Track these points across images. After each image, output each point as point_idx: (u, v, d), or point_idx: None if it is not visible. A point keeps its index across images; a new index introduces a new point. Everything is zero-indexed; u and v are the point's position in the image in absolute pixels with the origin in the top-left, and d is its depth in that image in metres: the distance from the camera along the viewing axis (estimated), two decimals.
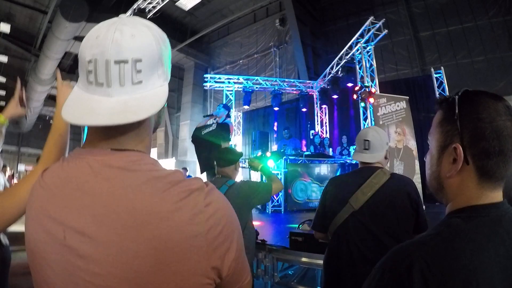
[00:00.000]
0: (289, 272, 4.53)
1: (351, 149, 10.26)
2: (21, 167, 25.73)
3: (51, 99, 20.84)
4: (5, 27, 14.51)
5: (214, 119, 6.30)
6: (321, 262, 2.67)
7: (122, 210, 0.76)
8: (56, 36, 12.85)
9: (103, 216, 0.77)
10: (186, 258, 0.75)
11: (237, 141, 13.07)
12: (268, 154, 9.82)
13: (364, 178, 2.17)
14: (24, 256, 0.85)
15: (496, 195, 0.90)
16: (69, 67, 17.95)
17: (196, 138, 6.19)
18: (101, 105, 0.78)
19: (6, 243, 1.59)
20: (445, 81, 10.01)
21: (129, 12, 10.68)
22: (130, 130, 0.84)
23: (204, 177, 6.17)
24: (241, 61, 15.99)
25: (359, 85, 9.80)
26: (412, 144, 9.12)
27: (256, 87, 12.55)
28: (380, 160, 2.33)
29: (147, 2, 10.15)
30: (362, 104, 9.66)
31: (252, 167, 3.44)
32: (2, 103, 23.10)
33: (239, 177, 7.93)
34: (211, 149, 5.98)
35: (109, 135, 0.84)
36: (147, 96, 0.82)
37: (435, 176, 1.00)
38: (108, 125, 0.77)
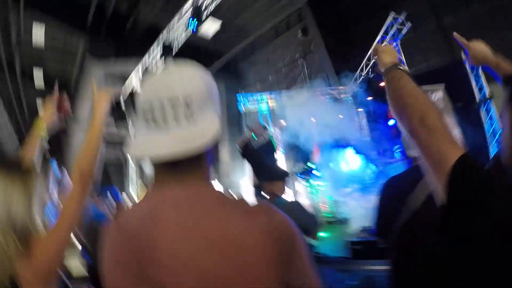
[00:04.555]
0: (350, 283, 4.44)
1: (394, 149, 10.00)
2: None
3: None
4: (38, 74, 15.18)
5: (255, 132, 6.36)
6: (384, 267, 2.57)
7: (196, 238, 0.81)
8: (88, 76, 13.25)
9: (178, 245, 0.82)
10: (260, 278, 0.79)
11: (279, 157, 13.00)
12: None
13: (420, 175, 2.05)
14: None
15: None
16: None
17: (248, 152, 6.24)
18: (161, 141, 0.86)
19: (65, 279, 1.63)
20: None
21: (155, 44, 10.94)
22: (191, 165, 0.91)
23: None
24: (270, 77, 15.99)
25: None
26: (456, 133, 8.77)
27: (290, 101, 12.54)
28: None
29: (172, 32, 10.36)
30: None
31: None
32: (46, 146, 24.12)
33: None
34: (268, 160, 6.03)
35: (173, 172, 0.91)
36: (200, 130, 0.89)
37: (509, 153, 1.04)
38: (168, 157, 0.85)
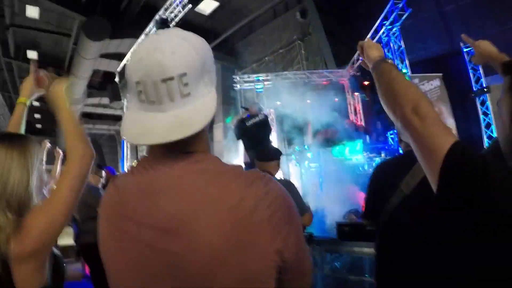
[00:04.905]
0: (335, 264, 4.51)
1: (388, 134, 10.03)
2: None
3: (85, 117, 21.63)
4: (32, 54, 15.05)
5: (250, 112, 6.35)
6: (372, 250, 2.61)
7: (194, 203, 0.83)
8: (83, 57, 13.22)
9: (176, 210, 0.84)
10: (254, 242, 0.81)
11: (272, 137, 13.04)
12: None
13: (413, 160, 2.06)
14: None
15: None
16: (99, 85, 18.51)
17: (242, 130, 6.24)
18: (156, 122, 0.86)
19: (58, 254, 1.60)
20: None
21: (152, 23, 10.84)
22: (189, 138, 0.89)
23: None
24: (266, 58, 15.87)
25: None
26: (451, 123, 8.77)
27: (286, 82, 12.53)
28: None
29: (169, 11, 10.27)
30: None
31: None
32: (38, 125, 24.10)
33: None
34: (263, 138, 6.05)
35: (171, 145, 0.88)
36: (198, 106, 0.89)
37: (507, 140, 1.01)
38: (166, 142, 0.84)
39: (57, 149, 4.55)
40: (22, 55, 15.24)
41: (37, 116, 22.75)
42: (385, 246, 2.17)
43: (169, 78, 0.84)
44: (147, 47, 0.87)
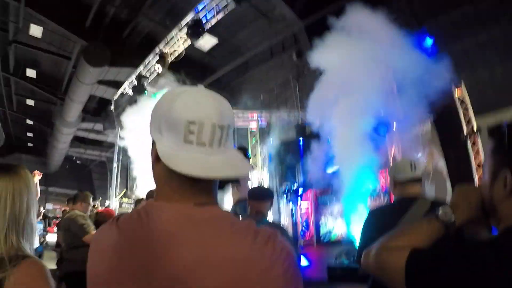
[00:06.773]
0: None
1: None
2: (49, 206, 26.25)
3: (77, 141, 21.38)
4: (31, 73, 15.12)
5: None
6: None
7: (216, 258, 0.84)
8: (80, 81, 13.31)
9: (194, 265, 0.83)
10: None
11: (265, 175, 13.13)
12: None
13: (405, 208, 2.16)
14: None
15: None
16: (94, 110, 18.60)
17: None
18: (206, 161, 0.89)
19: None
20: (466, 98, 9.76)
21: (151, 55, 10.99)
22: (208, 187, 0.96)
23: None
24: (261, 96, 16.04)
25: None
26: (442, 165, 8.91)
27: (279, 121, 12.63)
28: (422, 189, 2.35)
29: (170, 46, 10.45)
30: None
31: None
32: (30, 144, 23.84)
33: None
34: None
35: (191, 191, 0.93)
36: (237, 156, 0.96)
37: (488, 200, 1.05)
38: (219, 178, 0.93)
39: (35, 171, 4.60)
40: (21, 72, 15.32)
41: (29, 134, 22.63)
42: None
43: (224, 126, 0.91)
44: (204, 95, 0.94)
